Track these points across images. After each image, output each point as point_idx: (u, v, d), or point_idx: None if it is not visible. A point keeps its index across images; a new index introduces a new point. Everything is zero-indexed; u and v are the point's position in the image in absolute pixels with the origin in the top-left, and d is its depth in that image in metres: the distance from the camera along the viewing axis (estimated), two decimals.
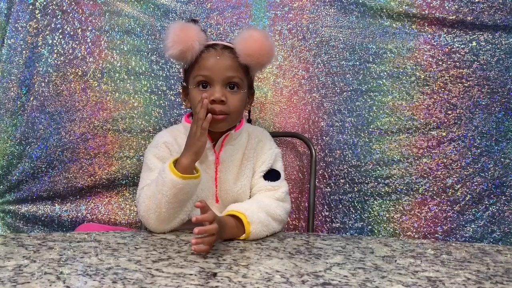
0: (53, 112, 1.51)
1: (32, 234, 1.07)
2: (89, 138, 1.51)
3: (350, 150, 1.50)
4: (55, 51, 1.51)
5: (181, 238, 1.04)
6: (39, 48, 1.51)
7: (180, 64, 1.42)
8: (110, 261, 0.85)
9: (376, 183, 1.50)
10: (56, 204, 1.53)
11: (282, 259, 0.92)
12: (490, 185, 1.48)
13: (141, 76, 1.52)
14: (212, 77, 1.14)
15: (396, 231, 1.49)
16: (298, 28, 1.52)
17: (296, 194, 1.52)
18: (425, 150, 1.49)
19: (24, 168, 1.51)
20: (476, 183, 1.48)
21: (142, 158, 1.38)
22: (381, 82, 1.50)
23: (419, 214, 1.49)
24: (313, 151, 1.44)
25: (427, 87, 1.49)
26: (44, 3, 1.50)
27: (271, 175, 1.21)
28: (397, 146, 1.50)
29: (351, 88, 1.51)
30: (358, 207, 1.50)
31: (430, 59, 1.48)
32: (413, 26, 1.49)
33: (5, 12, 1.50)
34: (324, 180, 1.51)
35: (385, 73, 1.50)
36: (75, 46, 1.51)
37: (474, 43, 1.47)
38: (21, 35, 1.50)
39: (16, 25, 1.50)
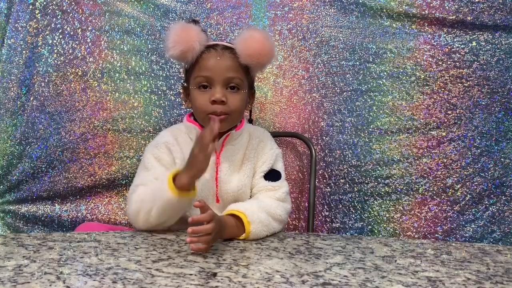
0: (53, 112, 1.51)
1: (32, 234, 1.07)
2: (89, 138, 1.51)
3: (350, 150, 1.50)
4: (55, 51, 1.51)
5: (181, 238, 1.04)
6: (39, 48, 1.51)
7: (180, 64, 1.42)
8: (110, 261, 0.85)
9: (376, 183, 1.50)
10: (56, 204, 1.53)
11: (282, 259, 0.92)
12: (490, 185, 1.48)
13: (141, 76, 1.52)
14: (213, 77, 1.14)
15: (396, 231, 1.49)
16: (298, 28, 1.52)
17: (296, 194, 1.52)
18: (425, 150, 1.49)
19: (24, 168, 1.51)
20: (476, 183, 1.48)
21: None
22: (381, 82, 1.50)
23: (419, 214, 1.49)
24: (313, 151, 1.44)
25: (427, 87, 1.49)
26: (44, 3, 1.50)
27: (272, 175, 1.21)
28: (397, 146, 1.50)
29: (351, 88, 1.51)
30: (358, 207, 1.51)
31: (430, 59, 1.48)
32: (413, 26, 1.49)
33: (5, 12, 1.50)
34: (324, 180, 1.51)
35: (385, 73, 1.50)
36: (75, 46, 1.51)
37: (474, 43, 1.47)
38: (21, 35, 1.50)
39: (16, 25, 1.50)
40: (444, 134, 1.49)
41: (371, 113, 1.50)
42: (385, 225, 1.50)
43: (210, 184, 1.18)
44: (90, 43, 1.51)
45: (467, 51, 1.47)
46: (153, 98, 1.52)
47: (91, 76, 1.51)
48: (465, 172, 1.48)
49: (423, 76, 1.48)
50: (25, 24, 1.50)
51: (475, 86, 1.47)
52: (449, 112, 1.48)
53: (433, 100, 1.49)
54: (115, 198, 1.53)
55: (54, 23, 1.51)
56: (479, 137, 1.48)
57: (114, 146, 1.52)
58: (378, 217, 1.50)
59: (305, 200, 1.51)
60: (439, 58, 1.48)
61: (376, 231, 1.50)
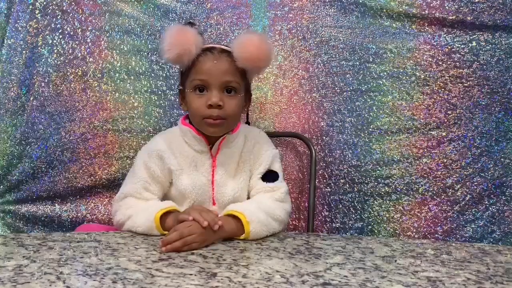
0: (53, 112, 1.51)
1: (32, 234, 1.07)
2: (89, 138, 1.51)
3: (350, 150, 1.50)
4: (55, 51, 1.51)
5: None
6: (39, 48, 1.51)
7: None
8: (110, 261, 0.85)
9: (376, 183, 1.50)
10: (56, 204, 1.53)
11: (282, 259, 0.92)
12: (490, 185, 1.48)
13: (141, 76, 1.52)
14: (209, 81, 1.14)
15: (396, 231, 1.49)
16: (298, 28, 1.52)
17: (296, 194, 1.52)
18: (425, 150, 1.49)
19: (24, 168, 1.51)
20: (476, 183, 1.48)
21: None
22: (381, 82, 1.50)
23: (419, 214, 1.49)
24: (313, 151, 1.44)
25: (427, 87, 1.49)
26: (44, 3, 1.50)
27: (269, 176, 1.21)
28: (397, 146, 1.50)
29: (351, 88, 1.51)
30: (358, 207, 1.50)
31: (430, 59, 1.48)
32: (413, 26, 1.49)
33: (5, 12, 1.50)
34: (324, 180, 1.51)
35: (385, 73, 1.50)
36: (75, 46, 1.51)
37: (474, 43, 1.47)
38: (21, 35, 1.50)
39: (16, 25, 1.50)
40: (444, 134, 1.49)
41: (371, 113, 1.50)
42: (385, 225, 1.50)
43: (207, 187, 1.18)
44: (90, 43, 1.51)
45: (467, 51, 1.47)
46: (153, 98, 1.52)
47: (91, 76, 1.51)
48: (465, 172, 1.48)
49: (423, 76, 1.48)
50: (25, 24, 1.50)
51: (475, 86, 1.47)
52: (449, 112, 1.48)
53: (433, 100, 1.49)
54: None
55: (54, 23, 1.51)
56: (479, 137, 1.48)
57: (114, 146, 1.52)
58: (378, 217, 1.50)
59: (305, 200, 1.51)
60: (439, 58, 1.48)
61: (376, 231, 1.50)
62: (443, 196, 1.48)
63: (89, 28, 1.51)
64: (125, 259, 0.87)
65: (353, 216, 1.51)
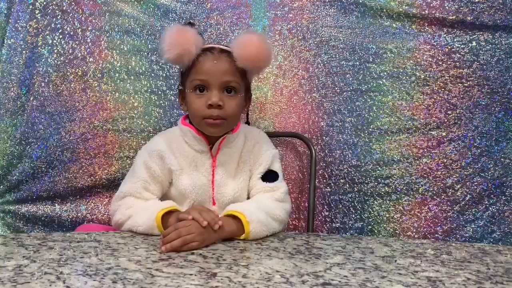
0: (53, 112, 1.51)
1: (32, 234, 1.07)
2: (89, 138, 1.51)
3: (350, 150, 1.50)
4: (55, 51, 1.51)
5: None
6: (39, 48, 1.51)
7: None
8: (110, 261, 0.85)
9: (376, 183, 1.50)
10: (56, 204, 1.53)
11: (282, 259, 0.92)
12: (490, 185, 1.48)
13: (141, 76, 1.52)
14: (209, 81, 1.14)
15: (396, 231, 1.49)
16: (298, 28, 1.52)
17: (296, 194, 1.52)
18: (425, 150, 1.49)
19: (24, 168, 1.51)
20: (476, 183, 1.48)
21: None
22: (381, 82, 1.50)
23: (419, 214, 1.49)
24: (313, 151, 1.44)
25: (427, 87, 1.49)
26: (44, 3, 1.50)
27: (269, 176, 1.21)
28: (397, 146, 1.50)
29: (351, 88, 1.51)
30: (358, 207, 1.50)
31: (430, 59, 1.48)
32: (413, 26, 1.49)
33: (5, 12, 1.50)
34: (324, 180, 1.51)
35: (385, 73, 1.50)
36: (75, 46, 1.51)
37: (474, 43, 1.47)
38: (21, 35, 1.50)
39: (16, 25, 1.50)
40: (444, 134, 1.49)
41: (371, 113, 1.50)
42: (385, 225, 1.50)
43: (207, 187, 1.18)
44: (90, 43, 1.51)
45: (467, 51, 1.47)
46: (153, 98, 1.52)
47: (91, 76, 1.51)
48: (465, 172, 1.48)
49: (423, 76, 1.48)
50: (25, 24, 1.50)
51: (475, 86, 1.47)
52: (449, 112, 1.48)
53: (433, 100, 1.49)
54: None
55: (54, 23, 1.51)
56: (479, 137, 1.48)
57: (114, 146, 1.52)
58: (378, 217, 1.50)
59: (305, 200, 1.51)
60: (439, 58, 1.48)
61: (376, 231, 1.50)
62: (443, 196, 1.48)
63: (89, 28, 1.51)
64: (125, 259, 0.87)
65: (353, 216, 1.51)
